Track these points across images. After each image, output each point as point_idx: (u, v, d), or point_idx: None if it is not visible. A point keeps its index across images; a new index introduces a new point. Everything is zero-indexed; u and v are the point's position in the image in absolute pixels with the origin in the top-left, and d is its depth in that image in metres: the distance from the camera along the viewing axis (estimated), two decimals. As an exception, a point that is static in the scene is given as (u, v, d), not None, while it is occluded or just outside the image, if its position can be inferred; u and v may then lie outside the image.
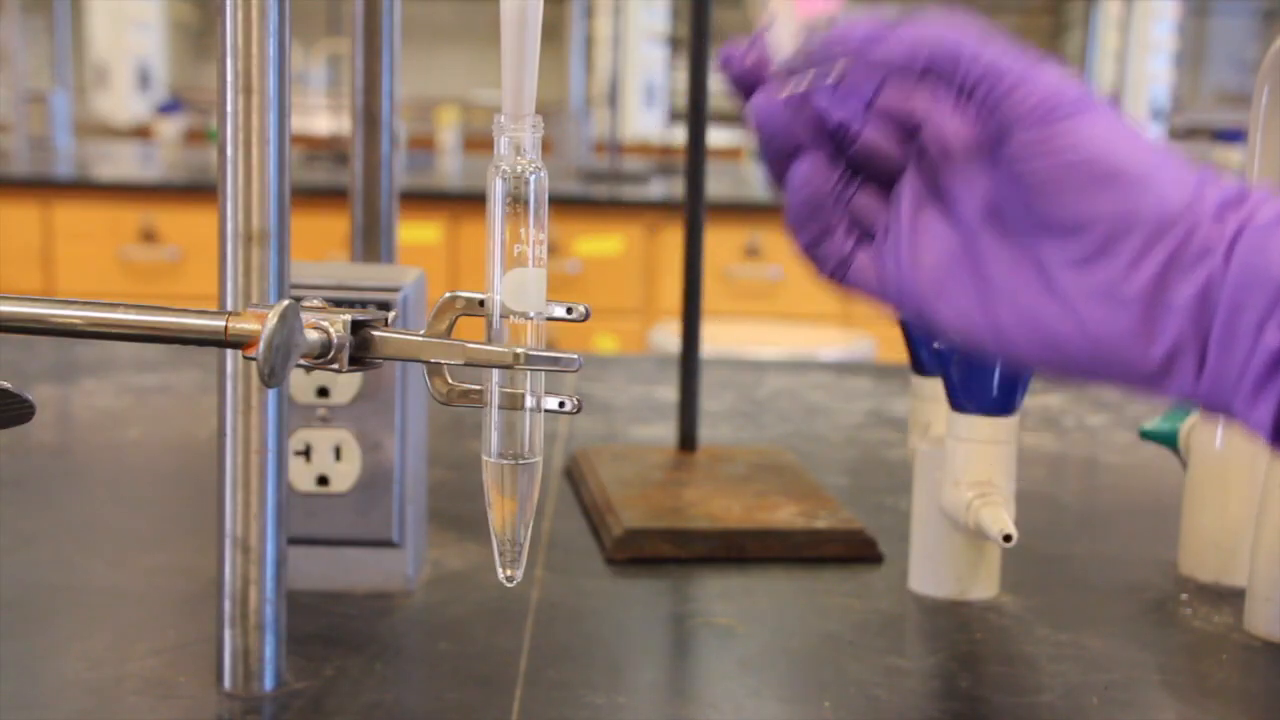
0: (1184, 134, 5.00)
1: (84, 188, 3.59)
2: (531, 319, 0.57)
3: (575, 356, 0.57)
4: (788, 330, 3.18)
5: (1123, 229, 0.50)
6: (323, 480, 0.88)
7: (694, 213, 1.14)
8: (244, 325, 0.57)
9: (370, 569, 0.90)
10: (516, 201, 0.57)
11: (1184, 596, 0.93)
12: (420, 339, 0.57)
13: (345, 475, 0.88)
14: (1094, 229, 0.50)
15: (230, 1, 0.68)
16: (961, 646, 0.85)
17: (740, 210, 3.57)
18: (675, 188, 3.72)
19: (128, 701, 0.74)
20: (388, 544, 0.89)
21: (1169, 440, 0.98)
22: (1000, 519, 0.84)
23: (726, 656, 0.83)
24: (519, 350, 0.56)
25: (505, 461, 0.59)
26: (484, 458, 0.60)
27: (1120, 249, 0.50)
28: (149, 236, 3.50)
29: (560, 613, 0.88)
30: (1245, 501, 0.92)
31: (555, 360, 0.56)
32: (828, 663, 0.82)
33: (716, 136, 4.63)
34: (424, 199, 3.44)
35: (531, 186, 0.57)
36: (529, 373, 0.57)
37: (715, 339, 2.85)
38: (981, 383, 0.86)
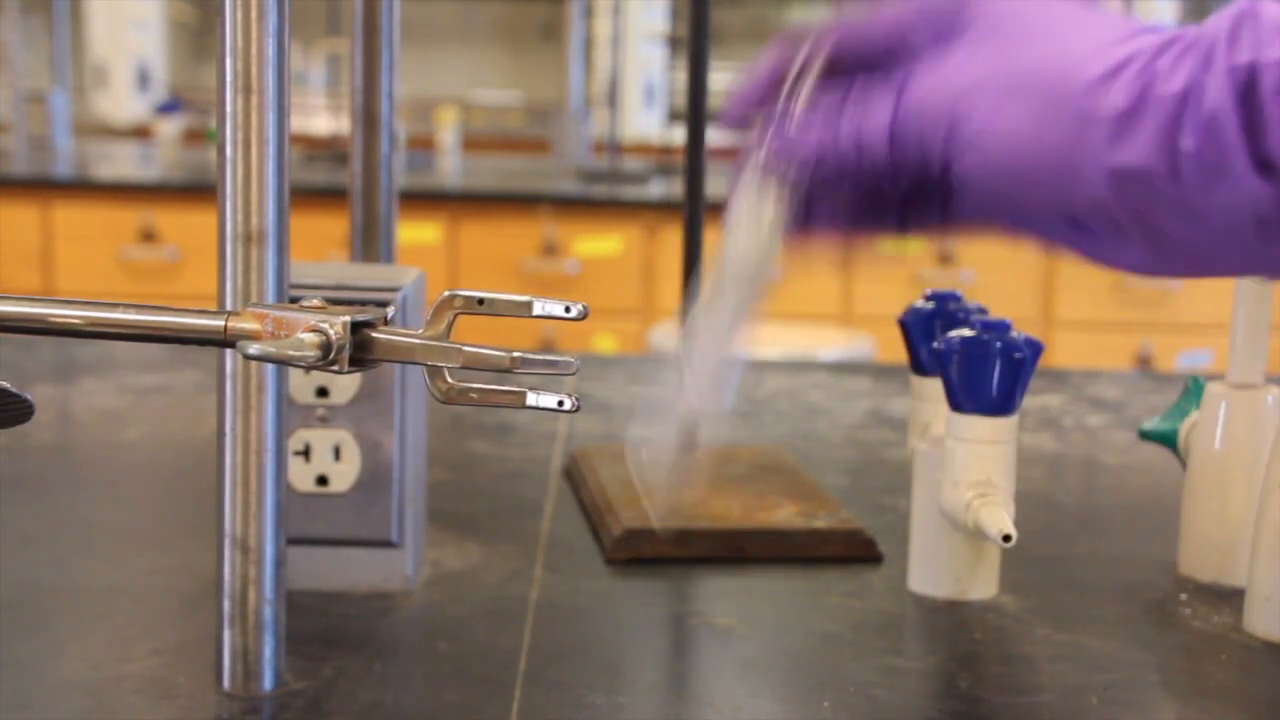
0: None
1: (84, 188, 3.59)
2: None
3: (572, 360, 0.57)
4: (787, 330, 3.18)
5: None
6: (322, 480, 0.88)
7: (693, 213, 1.14)
8: (244, 325, 0.57)
9: (369, 569, 0.90)
10: None
11: (1184, 596, 0.93)
12: (419, 341, 0.57)
13: (344, 475, 0.88)
14: None
15: (230, 1, 0.68)
16: (961, 646, 0.85)
17: (740, 210, 3.57)
18: (675, 188, 3.72)
19: (127, 701, 0.74)
20: (387, 544, 0.89)
21: (1168, 440, 0.98)
22: (999, 519, 0.84)
23: (726, 656, 0.83)
24: (516, 354, 0.56)
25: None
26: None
27: None
28: (148, 236, 3.50)
29: (560, 613, 0.88)
30: (1245, 501, 0.92)
31: (552, 364, 0.56)
32: (827, 663, 0.82)
33: (716, 136, 4.62)
34: (424, 199, 3.44)
35: None
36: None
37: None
38: (981, 383, 0.86)
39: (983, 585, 0.92)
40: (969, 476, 0.87)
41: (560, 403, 0.57)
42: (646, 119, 4.68)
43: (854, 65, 0.57)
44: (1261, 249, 0.50)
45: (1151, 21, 0.53)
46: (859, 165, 0.55)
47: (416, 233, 3.39)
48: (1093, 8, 0.53)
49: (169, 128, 4.25)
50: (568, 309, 0.56)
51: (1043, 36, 0.51)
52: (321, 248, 3.23)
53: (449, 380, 0.57)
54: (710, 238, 1.19)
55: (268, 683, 0.74)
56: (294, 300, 0.64)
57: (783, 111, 0.57)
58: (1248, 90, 0.47)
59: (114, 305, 0.58)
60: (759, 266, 0.57)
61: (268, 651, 0.74)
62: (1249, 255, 0.50)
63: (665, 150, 4.33)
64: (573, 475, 1.14)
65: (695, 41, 1.13)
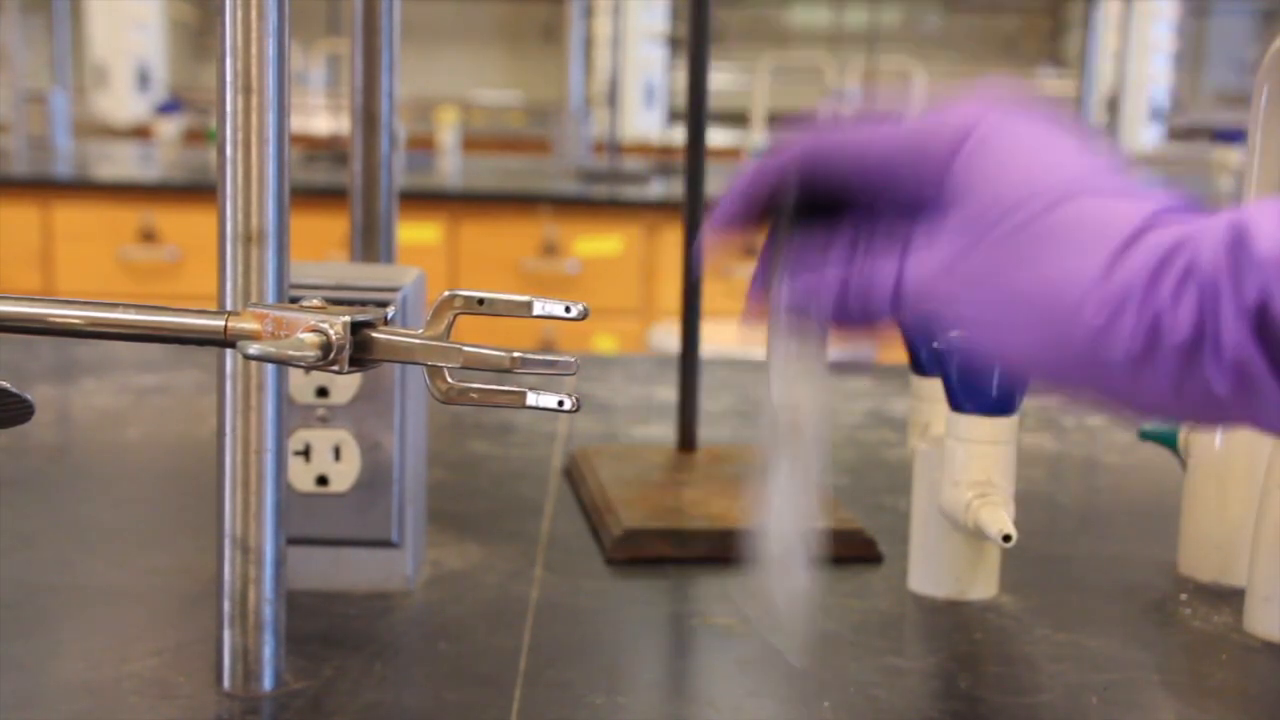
0: (1184, 134, 5.01)
1: (83, 188, 3.59)
2: None
3: (572, 360, 0.57)
4: (787, 330, 3.17)
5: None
6: (322, 480, 0.88)
7: (693, 213, 1.14)
8: (244, 325, 0.57)
9: (369, 569, 0.90)
10: None
11: (1184, 596, 0.93)
12: (419, 341, 0.57)
13: (344, 475, 0.88)
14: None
15: (230, 1, 0.68)
16: (961, 646, 0.85)
17: (740, 210, 3.56)
18: (675, 188, 3.72)
19: (128, 701, 0.74)
20: (387, 544, 0.89)
21: (1169, 440, 0.98)
22: (999, 519, 0.84)
23: (725, 656, 0.83)
24: (516, 354, 0.56)
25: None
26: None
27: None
28: (148, 236, 3.50)
29: (560, 613, 0.88)
30: (1245, 501, 0.92)
31: (552, 363, 0.57)
32: (828, 663, 0.82)
33: (716, 136, 4.63)
34: (424, 199, 3.44)
35: None
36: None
37: (715, 339, 2.84)
38: (981, 383, 0.86)
39: (983, 585, 0.92)
40: (969, 476, 0.87)
41: (560, 403, 0.57)
42: (646, 119, 4.69)
43: (832, 182, 0.57)
44: None
45: (1137, 181, 0.53)
46: (868, 322, 0.59)
47: (416, 233, 3.39)
48: (1085, 167, 0.53)
49: (169, 128, 4.25)
50: (568, 309, 0.56)
51: (1031, 240, 0.52)
52: (321, 248, 3.23)
53: (449, 380, 0.57)
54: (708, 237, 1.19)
55: (268, 683, 0.74)
56: (294, 300, 0.64)
57: (786, 260, 0.60)
58: (1263, 327, 0.48)
59: (114, 305, 0.58)
60: (815, 422, 0.60)
61: (268, 651, 0.74)
62: None
63: (665, 150, 4.33)
64: (573, 475, 1.14)
65: (695, 41, 1.13)
